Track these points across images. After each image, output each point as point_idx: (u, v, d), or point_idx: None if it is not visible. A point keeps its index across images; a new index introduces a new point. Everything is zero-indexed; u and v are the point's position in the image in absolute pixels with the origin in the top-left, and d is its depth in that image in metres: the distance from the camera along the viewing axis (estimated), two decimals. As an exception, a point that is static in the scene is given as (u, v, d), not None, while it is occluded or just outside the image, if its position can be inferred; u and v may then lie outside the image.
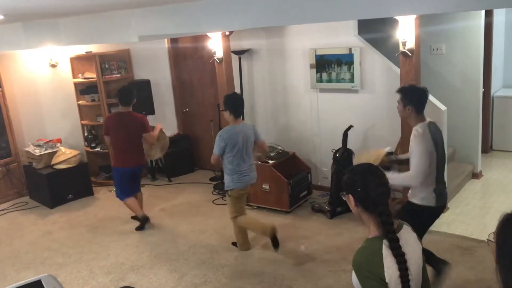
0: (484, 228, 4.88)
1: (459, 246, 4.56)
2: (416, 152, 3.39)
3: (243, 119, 4.64)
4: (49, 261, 4.99)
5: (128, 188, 5.53)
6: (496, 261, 1.60)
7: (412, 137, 3.46)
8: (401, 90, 3.60)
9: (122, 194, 5.54)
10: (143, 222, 5.55)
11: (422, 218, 3.48)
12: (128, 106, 5.41)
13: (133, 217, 5.77)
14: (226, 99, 4.53)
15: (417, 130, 3.45)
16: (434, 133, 3.48)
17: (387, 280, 1.90)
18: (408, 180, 3.45)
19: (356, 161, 3.85)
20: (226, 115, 4.55)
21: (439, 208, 3.59)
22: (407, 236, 2.03)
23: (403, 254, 1.90)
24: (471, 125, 6.15)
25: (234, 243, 4.93)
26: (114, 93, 6.89)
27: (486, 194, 5.84)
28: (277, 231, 4.58)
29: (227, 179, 4.58)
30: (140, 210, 5.58)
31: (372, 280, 1.91)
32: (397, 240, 1.92)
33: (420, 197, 3.49)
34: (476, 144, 6.22)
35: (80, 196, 6.72)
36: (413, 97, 3.49)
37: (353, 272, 1.99)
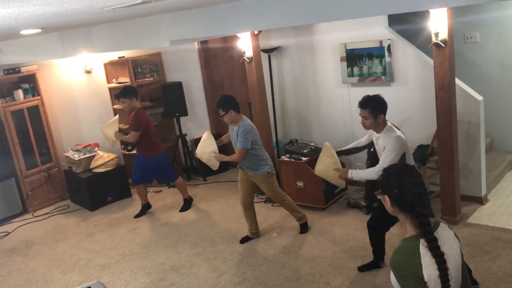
0: (527, 220, 4.76)
1: (500, 239, 4.46)
2: (393, 148, 3.72)
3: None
4: (92, 262, 5.15)
5: None
6: None
7: (388, 136, 3.78)
8: (368, 105, 3.82)
9: (175, 173, 6.30)
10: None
11: None
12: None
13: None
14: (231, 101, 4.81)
15: (393, 130, 3.82)
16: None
17: (425, 280, 1.89)
18: (376, 174, 3.67)
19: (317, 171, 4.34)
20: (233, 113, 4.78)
21: None
22: (444, 234, 2.01)
23: (442, 254, 1.89)
24: (510, 114, 5.99)
25: (303, 225, 5.17)
26: (148, 96, 7.07)
27: (528, 184, 5.67)
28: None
29: (264, 164, 4.83)
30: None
31: (411, 280, 1.91)
32: (436, 240, 1.90)
33: None
34: (515, 133, 6.05)
35: (118, 198, 6.91)
36: (381, 106, 3.82)
37: (391, 272, 1.99)
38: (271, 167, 4.89)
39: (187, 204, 6.29)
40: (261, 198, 6.05)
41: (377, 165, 3.80)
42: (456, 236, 2.09)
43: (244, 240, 5.14)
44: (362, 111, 3.87)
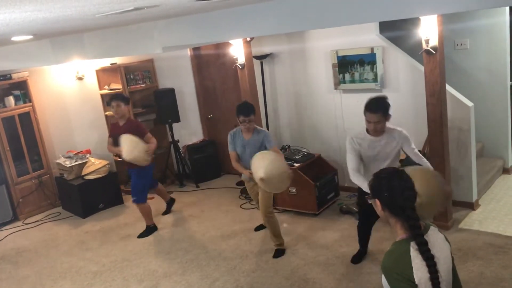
0: (518, 224, 4.79)
1: (492, 244, 4.48)
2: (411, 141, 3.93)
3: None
4: (84, 270, 5.11)
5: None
6: None
7: (404, 135, 3.96)
8: (380, 108, 3.76)
9: (145, 196, 5.68)
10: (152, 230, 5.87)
11: None
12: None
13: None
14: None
15: (402, 130, 3.96)
16: None
17: (416, 282, 1.91)
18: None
19: None
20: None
21: None
22: (434, 237, 2.04)
23: (432, 257, 1.91)
24: (500, 120, 6.04)
25: (279, 250, 4.86)
26: (141, 103, 7.04)
27: (519, 190, 5.72)
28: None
29: None
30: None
31: (402, 283, 1.93)
32: (426, 243, 1.92)
33: None
34: (506, 138, 6.10)
35: (110, 205, 6.87)
36: (389, 107, 3.81)
37: (383, 275, 2.00)
38: None
39: (170, 205, 6.39)
40: (253, 204, 6.04)
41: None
42: (446, 239, 2.11)
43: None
44: (374, 116, 3.66)
